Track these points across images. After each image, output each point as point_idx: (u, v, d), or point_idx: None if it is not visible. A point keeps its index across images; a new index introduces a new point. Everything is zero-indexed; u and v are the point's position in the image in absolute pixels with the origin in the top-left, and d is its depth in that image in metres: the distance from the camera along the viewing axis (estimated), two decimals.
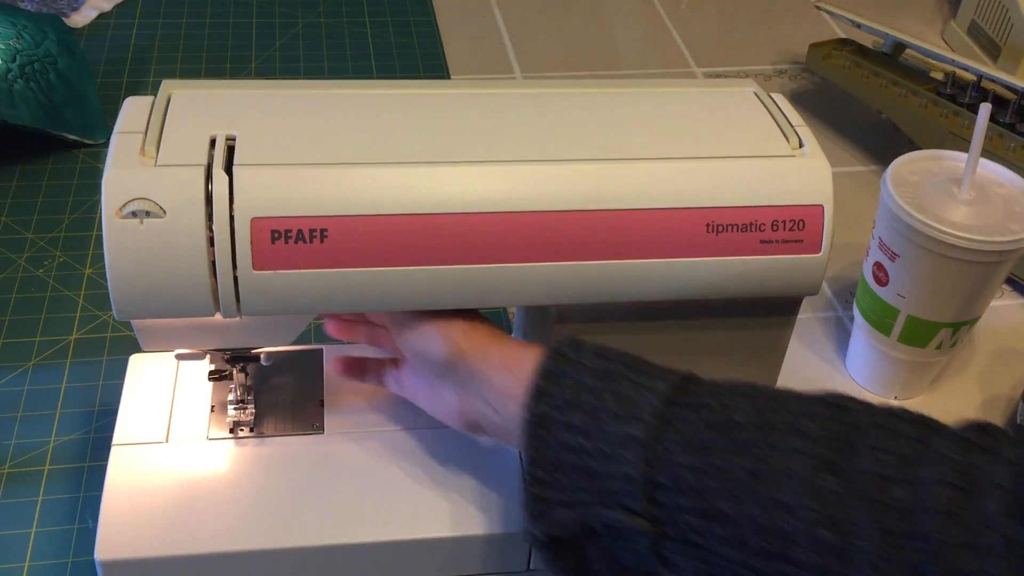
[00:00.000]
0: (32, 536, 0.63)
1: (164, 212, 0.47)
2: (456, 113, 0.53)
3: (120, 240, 0.47)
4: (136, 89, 1.01)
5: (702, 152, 0.51)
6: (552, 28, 1.17)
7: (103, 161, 0.92)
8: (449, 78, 1.06)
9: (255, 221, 0.47)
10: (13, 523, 0.63)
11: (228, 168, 0.48)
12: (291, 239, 0.48)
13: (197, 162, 0.48)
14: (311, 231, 0.48)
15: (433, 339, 0.52)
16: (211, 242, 0.47)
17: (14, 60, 0.89)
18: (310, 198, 0.48)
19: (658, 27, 1.19)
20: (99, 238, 0.84)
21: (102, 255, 0.82)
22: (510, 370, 0.50)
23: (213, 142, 0.49)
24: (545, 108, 0.54)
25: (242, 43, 1.09)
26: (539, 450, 0.47)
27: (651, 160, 0.51)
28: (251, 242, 0.47)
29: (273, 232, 0.48)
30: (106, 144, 0.93)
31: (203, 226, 0.47)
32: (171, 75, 1.03)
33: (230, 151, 0.49)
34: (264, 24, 1.12)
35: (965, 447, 0.41)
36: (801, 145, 0.53)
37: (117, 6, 1.12)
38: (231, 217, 0.47)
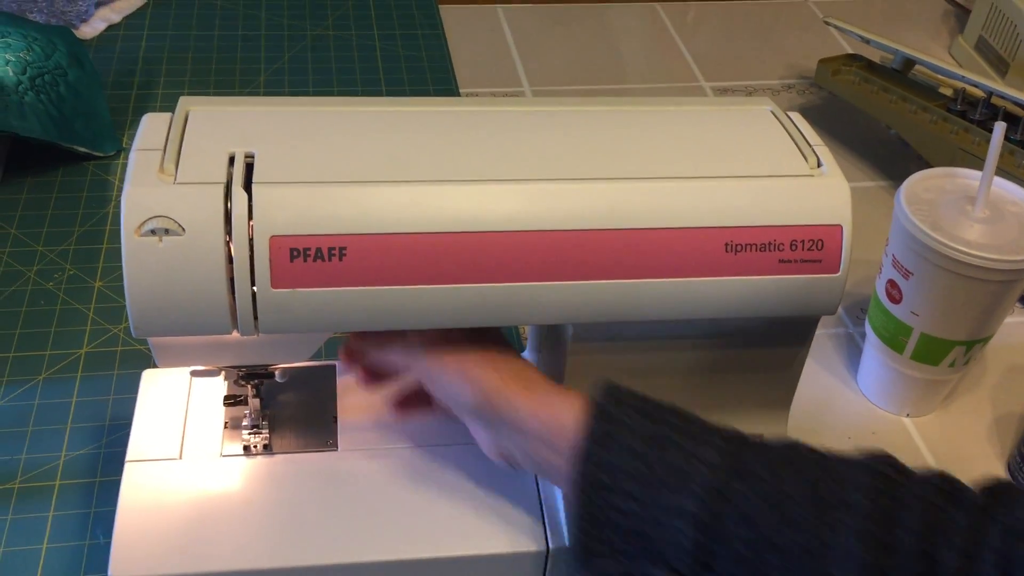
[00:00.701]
0: (43, 552, 0.63)
1: (183, 230, 0.47)
2: (474, 131, 0.53)
3: (139, 258, 0.47)
4: (145, 101, 1.01)
5: (721, 171, 0.51)
6: (560, 42, 1.17)
7: (113, 174, 0.92)
8: (458, 91, 1.06)
9: (274, 239, 0.47)
10: (24, 539, 0.63)
11: (247, 186, 0.48)
12: (310, 257, 0.48)
13: (216, 180, 0.48)
14: (330, 249, 0.48)
15: (459, 385, 0.52)
16: (230, 260, 0.47)
17: (24, 72, 0.89)
18: (329, 216, 0.48)
19: (666, 41, 1.19)
20: (109, 251, 0.84)
21: (112, 268, 0.82)
22: (545, 423, 0.50)
23: (232, 160, 0.49)
24: (563, 127, 0.54)
25: (251, 55, 1.09)
26: (588, 508, 0.48)
27: (670, 179, 0.51)
28: (270, 260, 0.47)
29: (292, 250, 0.47)
30: (116, 156, 0.93)
31: (222, 244, 0.47)
32: (180, 87, 1.03)
33: (248, 169, 0.49)
34: (273, 36, 1.12)
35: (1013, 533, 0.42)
36: (819, 164, 0.53)
37: (126, 18, 1.13)
38: (250, 235, 0.47)
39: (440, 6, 1.20)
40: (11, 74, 0.88)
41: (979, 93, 0.93)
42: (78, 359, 0.75)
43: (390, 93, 1.06)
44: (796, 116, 0.56)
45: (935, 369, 0.71)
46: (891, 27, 1.25)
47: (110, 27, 1.11)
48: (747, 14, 1.26)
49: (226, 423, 0.61)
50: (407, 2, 1.20)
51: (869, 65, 1.01)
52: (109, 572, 0.53)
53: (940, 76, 0.99)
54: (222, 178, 0.48)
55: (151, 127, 0.51)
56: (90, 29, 1.10)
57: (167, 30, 1.12)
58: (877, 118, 0.99)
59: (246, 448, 0.59)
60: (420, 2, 1.20)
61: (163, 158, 0.48)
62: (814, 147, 0.53)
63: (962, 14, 1.27)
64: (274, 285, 0.48)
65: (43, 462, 0.68)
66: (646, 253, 0.50)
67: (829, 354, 0.81)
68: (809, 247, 0.51)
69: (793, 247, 0.51)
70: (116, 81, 1.03)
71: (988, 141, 0.85)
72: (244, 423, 0.60)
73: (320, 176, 0.49)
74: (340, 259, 0.48)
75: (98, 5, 1.12)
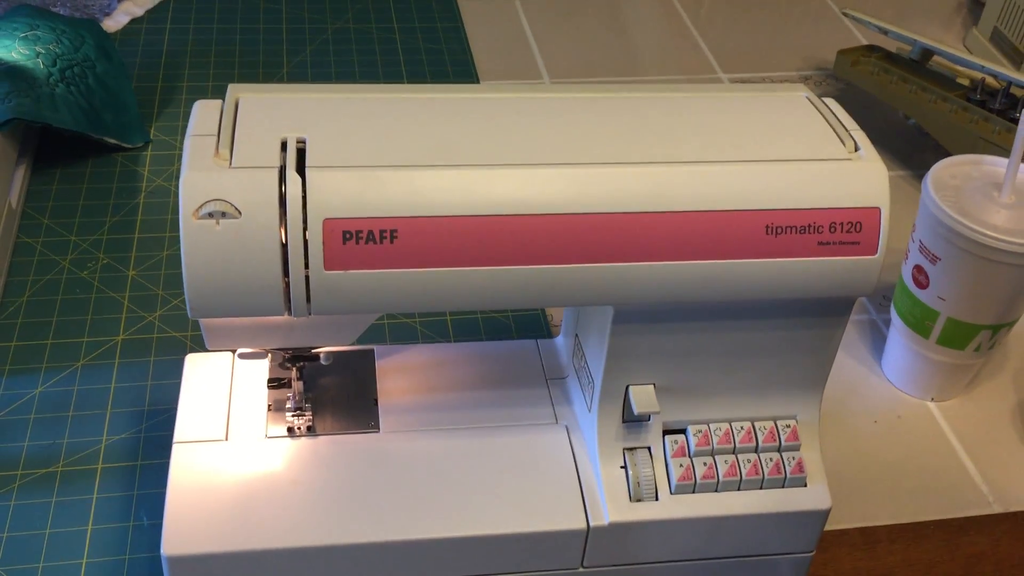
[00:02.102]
0: (88, 533, 0.64)
1: (239, 213, 0.48)
2: (519, 117, 0.54)
3: (197, 240, 0.48)
4: (171, 94, 1.02)
5: (761, 155, 0.52)
6: (578, 33, 1.18)
7: (142, 165, 0.93)
8: (478, 82, 1.07)
9: (327, 222, 0.48)
10: (70, 520, 0.64)
11: (300, 170, 0.49)
12: (362, 239, 0.49)
13: (270, 164, 0.49)
14: (381, 232, 0.49)
15: None
16: (284, 242, 0.48)
17: (55, 64, 0.90)
18: (381, 200, 0.49)
19: (682, 32, 1.20)
20: (141, 241, 0.85)
21: (145, 257, 0.84)
22: None
23: (284, 145, 0.50)
24: (604, 112, 0.55)
25: (273, 48, 1.10)
26: None
27: (711, 163, 0.52)
28: (323, 243, 0.48)
29: (344, 233, 0.49)
30: (144, 148, 0.95)
31: (277, 227, 0.48)
32: (204, 79, 1.04)
33: (300, 153, 0.50)
34: (295, 29, 1.13)
35: None
36: (857, 148, 0.54)
37: (149, 11, 1.14)
38: (304, 218, 0.48)
39: None
40: (42, 66, 0.89)
41: (997, 83, 0.94)
42: (115, 346, 0.76)
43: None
44: (831, 102, 0.57)
45: (960, 353, 0.72)
46: (905, 19, 1.26)
47: (133, 21, 1.12)
48: (762, 5, 1.27)
49: (270, 405, 0.62)
50: None
51: (887, 56, 1.02)
52: (162, 550, 0.54)
53: (958, 66, 1.00)
54: (276, 162, 0.49)
55: (203, 113, 0.52)
56: (113, 23, 1.11)
57: (189, 23, 1.13)
58: (897, 108, 1.00)
59: (290, 430, 0.60)
60: None
61: (218, 143, 0.50)
62: (851, 131, 0.54)
63: (976, 6, 1.28)
64: (327, 267, 0.49)
65: (85, 446, 0.69)
66: (689, 235, 0.51)
67: (853, 340, 0.82)
68: (848, 229, 0.52)
69: (832, 229, 0.52)
70: (141, 74, 1.04)
71: (1008, 130, 0.87)
72: (288, 405, 0.61)
73: (371, 160, 0.50)
74: (391, 241, 0.49)
75: None
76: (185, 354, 0.65)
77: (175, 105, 1.01)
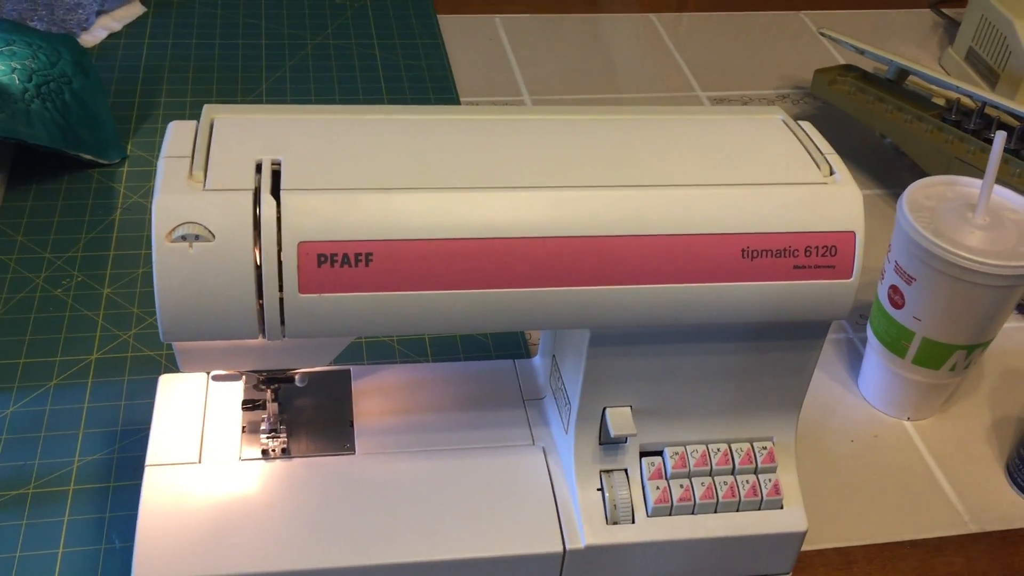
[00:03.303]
0: (59, 556, 0.63)
1: (213, 236, 0.47)
2: (495, 139, 0.54)
3: (169, 264, 0.47)
4: (148, 109, 1.02)
5: (737, 179, 0.53)
6: (558, 51, 1.18)
7: (118, 181, 0.92)
8: (458, 100, 1.07)
9: (302, 245, 0.48)
10: (40, 543, 0.63)
11: (275, 192, 0.49)
12: (337, 263, 0.49)
13: (244, 186, 0.49)
14: (356, 255, 0.49)
15: None
16: (258, 266, 0.48)
17: (30, 80, 0.90)
18: (356, 223, 0.49)
19: (661, 51, 1.21)
20: (116, 258, 0.84)
21: (120, 275, 0.83)
22: None
23: (259, 167, 0.50)
24: (581, 135, 0.55)
25: (252, 64, 1.10)
26: None
27: (688, 187, 0.52)
28: (298, 266, 0.48)
29: (319, 256, 0.48)
30: (120, 164, 0.94)
31: (251, 250, 0.48)
32: (183, 95, 1.04)
33: (275, 176, 0.50)
34: (273, 45, 1.13)
35: None
36: (832, 172, 0.54)
37: (127, 26, 1.13)
38: (279, 241, 0.48)
39: (439, 16, 1.21)
40: (17, 82, 0.89)
41: (972, 103, 0.95)
42: (88, 365, 0.75)
43: (391, 102, 1.07)
44: (807, 125, 0.57)
45: (936, 373, 0.73)
46: (881, 39, 1.27)
47: (111, 35, 1.11)
48: (739, 25, 1.28)
49: (244, 427, 0.61)
50: (406, 12, 1.21)
51: (864, 75, 1.03)
52: (133, 575, 0.53)
53: (934, 87, 1.01)
54: (250, 184, 0.49)
55: (178, 134, 0.52)
56: (91, 37, 1.10)
57: (168, 39, 1.12)
58: (873, 127, 1.01)
59: (264, 452, 0.60)
60: (419, 12, 1.21)
61: (192, 165, 0.49)
62: (826, 155, 0.55)
63: (951, 26, 1.29)
64: (301, 290, 0.49)
65: (56, 467, 0.68)
66: (666, 259, 0.51)
67: (830, 359, 0.82)
68: (823, 253, 0.52)
69: (808, 253, 0.52)
70: (118, 89, 1.04)
71: (982, 150, 0.88)
72: (262, 427, 0.61)
73: (346, 183, 0.50)
74: (367, 264, 0.49)
75: (99, 14, 1.12)
76: (160, 373, 0.64)
77: (152, 121, 1.00)
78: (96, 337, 0.78)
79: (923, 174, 0.74)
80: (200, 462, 0.59)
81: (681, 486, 0.59)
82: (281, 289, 0.49)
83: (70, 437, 0.70)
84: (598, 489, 0.59)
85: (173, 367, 0.75)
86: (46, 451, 0.69)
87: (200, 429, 0.61)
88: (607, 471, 0.59)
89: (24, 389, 0.73)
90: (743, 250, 0.52)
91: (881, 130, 0.99)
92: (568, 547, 0.57)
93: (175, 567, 0.54)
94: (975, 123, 0.92)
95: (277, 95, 1.06)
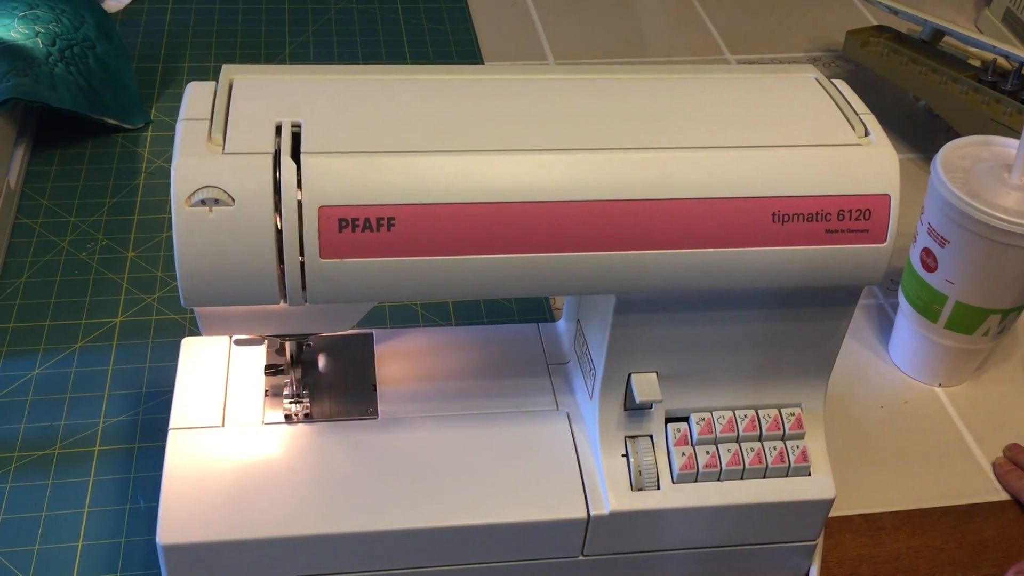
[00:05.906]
0: (84, 516, 0.63)
1: (233, 200, 0.47)
2: (520, 101, 0.53)
3: (189, 228, 0.47)
4: (172, 74, 1.01)
5: (768, 140, 0.51)
6: (583, 14, 1.16)
7: (142, 146, 0.92)
8: (482, 63, 1.06)
9: (323, 210, 0.47)
10: (66, 503, 0.64)
11: (295, 156, 0.48)
12: (358, 227, 0.48)
13: (264, 150, 0.48)
14: (378, 219, 0.48)
15: None
16: (279, 230, 0.47)
17: (54, 44, 0.89)
18: (378, 187, 0.48)
19: (689, 13, 1.18)
20: (141, 222, 0.84)
21: (144, 239, 0.83)
22: None
23: (279, 129, 0.49)
24: (608, 96, 0.54)
25: (275, 28, 1.09)
26: None
27: (717, 149, 0.51)
28: (319, 230, 0.47)
29: (340, 220, 0.48)
30: (144, 129, 0.94)
31: (271, 214, 0.47)
32: (206, 60, 1.03)
33: (295, 138, 0.49)
34: (297, 10, 1.12)
35: None
36: (867, 133, 0.52)
37: None
38: (299, 205, 0.47)
39: None
40: (41, 46, 0.88)
41: (1009, 64, 0.92)
42: (113, 328, 0.76)
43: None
44: (841, 84, 0.56)
45: (969, 338, 0.71)
46: (916, 0, 1.24)
47: (135, 1, 1.11)
48: None
49: (267, 391, 0.61)
50: None
51: (898, 36, 1.01)
52: (157, 539, 0.53)
53: (970, 47, 0.98)
54: (270, 148, 0.48)
55: (196, 96, 0.51)
56: (115, 3, 1.09)
57: (191, 4, 1.11)
58: (907, 89, 0.98)
59: (287, 416, 0.60)
60: None
61: (211, 128, 0.49)
62: (861, 116, 0.53)
63: None
64: (323, 255, 0.48)
65: (82, 428, 0.68)
66: (693, 223, 0.50)
67: (860, 325, 0.81)
68: (856, 217, 0.51)
69: (840, 217, 0.51)
70: (142, 54, 1.03)
71: (1020, 112, 0.85)
72: (285, 392, 0.60)
73: (367, 146, 0.49)
74: (388, 229, 0.48)
75: None
76: (183, 336, 0.64)
77: (176, 86, 1.00)
78: (120, 300, 0.78)
79: (957, 136, 0.72)
80: (223, 426, 0.59)
81: (707, 452, 0.58)
82: (302, 254, 0.48)
83: (95, 399, 0.70)
84: (623, 455, 0.58)
85: (196, 331, 0.74)
86: (72, 412, 0.69)
87: (223, 393, 0.61)
88: (632, 437, 0.59)
89: (49, 351, 0.73)
90: (774, 214, 0.50)
91: (915, 92, 0.97)
92: (592, 513, 0.57)
93: (199, 530, 0.54)
94: (1012, 84, 0.90)
95: (300, 60, 1.05)
